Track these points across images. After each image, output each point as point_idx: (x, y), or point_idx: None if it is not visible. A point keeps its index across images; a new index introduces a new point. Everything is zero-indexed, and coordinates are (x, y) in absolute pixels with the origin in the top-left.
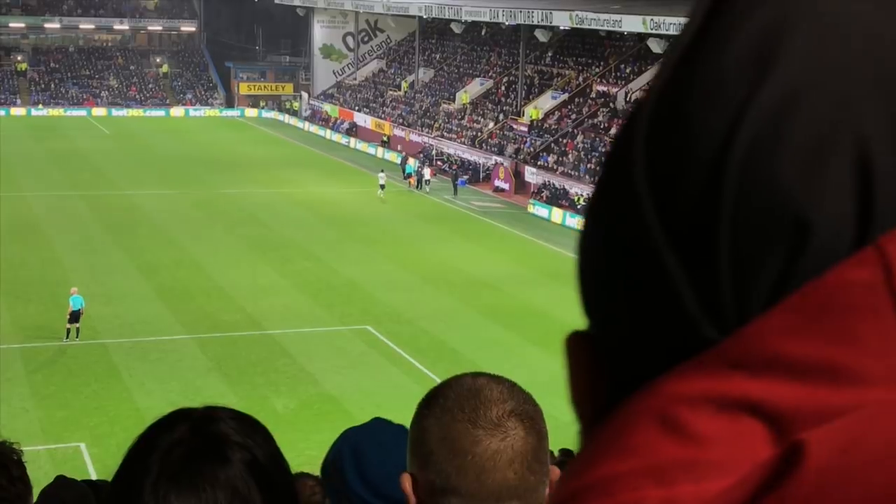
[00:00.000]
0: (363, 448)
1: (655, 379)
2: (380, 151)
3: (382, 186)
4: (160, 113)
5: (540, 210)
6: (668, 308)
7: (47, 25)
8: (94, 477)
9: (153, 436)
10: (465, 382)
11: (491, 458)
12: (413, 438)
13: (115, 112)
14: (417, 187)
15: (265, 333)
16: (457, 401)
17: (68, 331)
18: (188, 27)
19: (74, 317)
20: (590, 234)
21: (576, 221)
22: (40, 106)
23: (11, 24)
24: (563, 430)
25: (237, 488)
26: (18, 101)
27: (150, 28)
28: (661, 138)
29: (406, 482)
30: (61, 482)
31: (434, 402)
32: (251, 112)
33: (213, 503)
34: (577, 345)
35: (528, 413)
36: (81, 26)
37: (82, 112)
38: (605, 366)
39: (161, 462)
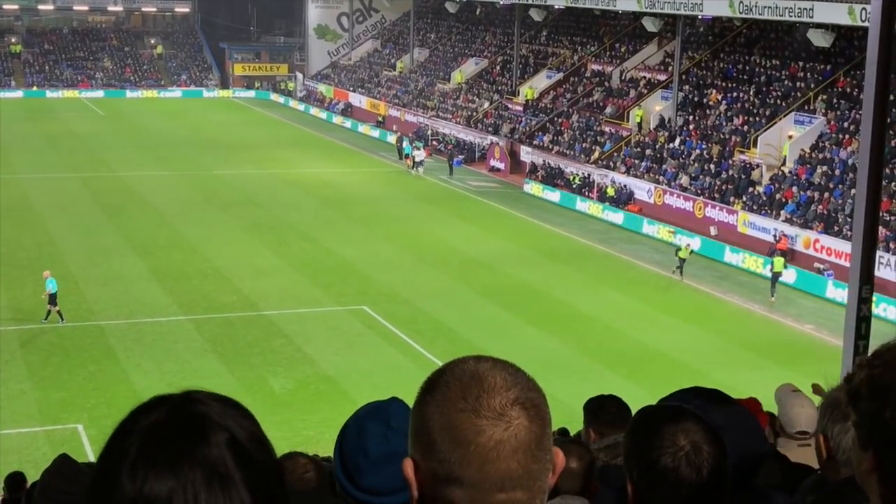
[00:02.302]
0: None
1: None
2: (391, 136)
3: (421, 163)
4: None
5: (548, 194)
6: None
7: (41, 7)
8: (91, 458)
9: (132, 420)
10: (467, 368)
11: (494, 448)
12: (415, 425)
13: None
14: (413, 168)
15: (261, 314)
16: (459, 388)
17: (48, 312)
18: (182, 8)
19: (52, 299)
20: None
21: (573, 200)
22: (35, 88)
23: (5, 6)
24: (559, 408)
25: (216, 467)
26: (13, 83)
27: (144, 9)
28: None
29: (408, 468)
30: (63, 460)
31: (435, 388)
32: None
33: (192, 482)
34: None
35: (532, 401)
36: (75, 7)
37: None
38: None
39: (139, 444)
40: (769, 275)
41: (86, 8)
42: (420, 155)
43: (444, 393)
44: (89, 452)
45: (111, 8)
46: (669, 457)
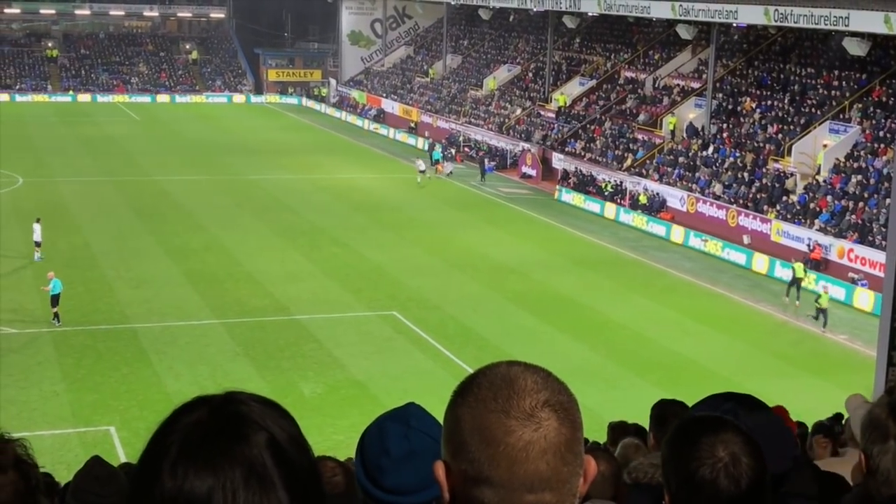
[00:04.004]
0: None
1: None
2: (422, 142)
3: (424, 171)
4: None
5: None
6: None
7: (78, 12)
8: (123, 460)
9: (173, 419)
10: (499, 371)
11: (523, 449)
12: (447, 427)
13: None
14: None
15: (293, 318)
16: (490, 390)
17: (56, 315)
18: (217, 14)
19: (55, 301)
20: None
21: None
22: (71, 92)
23: (42, 11)
24: (589, 415)
25: (254, 466)
26: (49, 87)
27: (179, 14)
28: None
29: (439, 470)
30: (95, 462)
31: (468, 390)
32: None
33: (231, 481)
34: None
35: (563, 403)
36: (111, 12)
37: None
38: None
39: (179, 443)
40: (788, 279)
41: (122, 13)
42: (424, 167)
43: (476, 395)
44: (121, 454)
45: (147, 13)
46: (708, 468)
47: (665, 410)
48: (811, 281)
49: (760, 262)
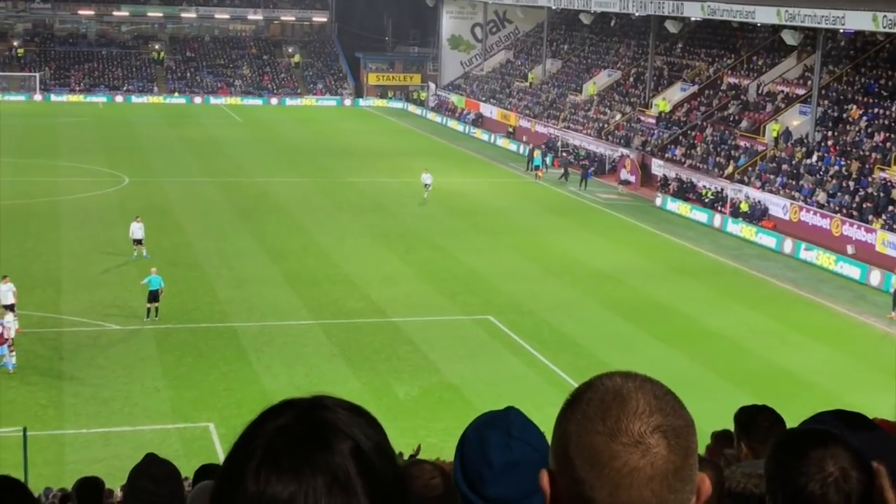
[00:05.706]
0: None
1: None
2: (526, 149)
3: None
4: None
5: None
6: None
7: (184, 15)
8: (221, 456)
9: (260, 423)
10: (612, 386)
11: (628, 475)
12: (554, 439)
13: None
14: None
15: (389, 321)
16: (600, 408)
17: (148, 310)
18: (320, 18)
19: (153, 296)
20: None
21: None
22: (177, 94)
23: (150, 14)
24: None
25: (337, 474)
26: (156, 89)
27: (282, 18)
28: None
29: (544, 479)
30: (150, 460)
31: (577, 405)
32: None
33: (313, 488)
34: None
35: (675, 428)
36: (217, 16)
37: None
38: None
39: (264, 447)
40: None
41: (227, 16)
42: (430, 180)
43: (584, 411)
44: (219, 451)
45: (251, 17)
46: (817, 483)
47: (751, 414)
48: None
49: (875, 277)
